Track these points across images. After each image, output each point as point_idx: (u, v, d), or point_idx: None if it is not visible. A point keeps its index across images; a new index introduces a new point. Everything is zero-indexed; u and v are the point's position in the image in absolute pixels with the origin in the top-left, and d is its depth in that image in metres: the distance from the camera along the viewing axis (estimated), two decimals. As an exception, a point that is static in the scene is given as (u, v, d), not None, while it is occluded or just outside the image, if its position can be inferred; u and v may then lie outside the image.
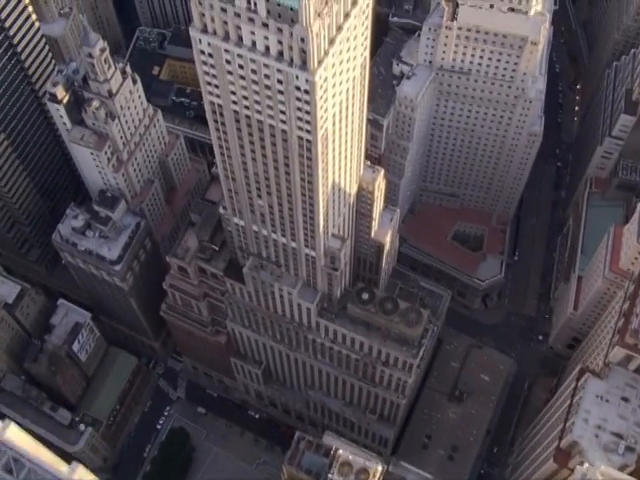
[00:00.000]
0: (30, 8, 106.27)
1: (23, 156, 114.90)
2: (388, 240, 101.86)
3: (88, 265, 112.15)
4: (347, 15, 68.30)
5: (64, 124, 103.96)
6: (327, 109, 72.26)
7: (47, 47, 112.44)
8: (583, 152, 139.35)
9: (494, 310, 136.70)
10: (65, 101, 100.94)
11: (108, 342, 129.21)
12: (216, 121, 78.10)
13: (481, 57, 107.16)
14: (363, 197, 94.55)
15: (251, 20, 64.29)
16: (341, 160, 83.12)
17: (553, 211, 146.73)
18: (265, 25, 64.26)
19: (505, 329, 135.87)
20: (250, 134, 77.08)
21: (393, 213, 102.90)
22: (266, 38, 65.45)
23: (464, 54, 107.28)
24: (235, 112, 75.21)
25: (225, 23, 66.21)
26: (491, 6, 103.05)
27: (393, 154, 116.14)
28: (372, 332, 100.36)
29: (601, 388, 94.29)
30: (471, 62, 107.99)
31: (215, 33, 67.50)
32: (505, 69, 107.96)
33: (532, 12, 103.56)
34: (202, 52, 70.23)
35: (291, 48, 65.51)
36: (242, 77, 70.45)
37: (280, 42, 65.41)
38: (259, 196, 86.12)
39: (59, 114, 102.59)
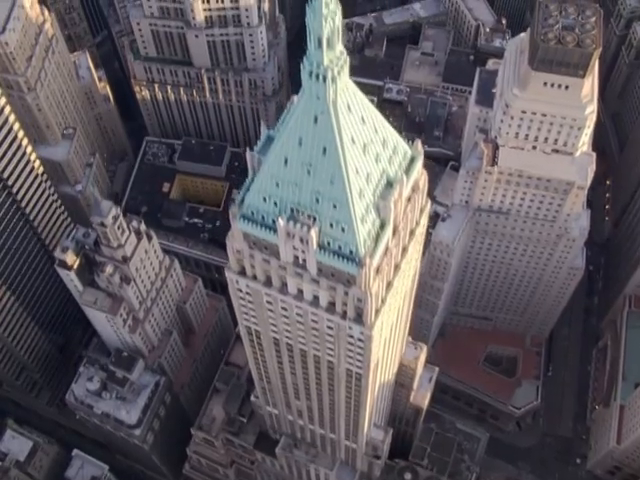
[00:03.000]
0: (40, 172, 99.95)
1: (30, 307, 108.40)
2: (427, 402, 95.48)
3: (105, 425, 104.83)
4: (405, 250, 61.04)
5: (75, 287, 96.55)
6: (379, 344, 65.25)
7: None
8: (619, 262, 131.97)
9: (528, 432, 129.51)
10: (76, 266, 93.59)
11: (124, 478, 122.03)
12: (252, 341, 70.72)
13: (522, 199, 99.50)
14: (404, 372, 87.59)
15: (299, 275, 56.91)
16: (388, 367, 76.26)
17: (586, 319, 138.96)
18: (315, 281, 56.97)
19: (541, 452, 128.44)
20: (291, 356, 69.82)
21: (432, 372, 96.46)
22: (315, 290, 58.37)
23: (504, 196, 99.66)
24: (275, 339, 68.05)
25: (267, 270, 58.93)
26: (534, 148, 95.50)
27: (426, 294, 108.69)
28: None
29: None
30: (511, 203, 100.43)
31: (255, 278, 60.04)
32: (548, 210, 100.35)
33: (578, 153, 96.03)
34: (239, 290, 62.86)
35: (345, 303, 58.31)
36: (285, 316, 63.18)
37: (332, 296, 58.31)
38: (297, 398, 79.01)
39: (69, 278, 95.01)
